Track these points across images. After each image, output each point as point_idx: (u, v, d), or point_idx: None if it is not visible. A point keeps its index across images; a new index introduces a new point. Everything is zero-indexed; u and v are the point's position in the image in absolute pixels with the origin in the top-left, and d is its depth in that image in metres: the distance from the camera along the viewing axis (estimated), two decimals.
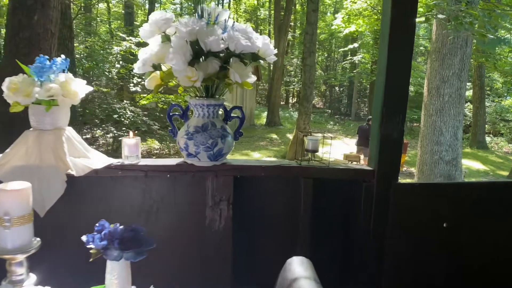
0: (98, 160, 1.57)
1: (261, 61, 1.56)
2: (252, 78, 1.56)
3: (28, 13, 3.25)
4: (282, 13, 18.90)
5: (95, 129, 11.64)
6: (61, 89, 1.43)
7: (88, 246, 1.14)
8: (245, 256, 1.69)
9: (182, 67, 1.36)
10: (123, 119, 10.67)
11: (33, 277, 1.20)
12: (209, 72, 1.42)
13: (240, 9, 27.60)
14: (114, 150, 10.93)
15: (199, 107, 1.53)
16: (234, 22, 1.47)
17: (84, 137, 11.67)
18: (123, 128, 10.38)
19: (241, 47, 1.41)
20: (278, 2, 19.49)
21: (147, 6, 21.06)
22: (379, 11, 12.63)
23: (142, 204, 1.65)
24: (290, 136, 14.06)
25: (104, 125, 10.98)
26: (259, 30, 28.71)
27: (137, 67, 1.46)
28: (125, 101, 11.58)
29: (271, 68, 19.78)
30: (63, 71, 1.50)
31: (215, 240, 1.61)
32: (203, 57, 1.43)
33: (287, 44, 23.39)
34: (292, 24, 25.01)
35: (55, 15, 3.35)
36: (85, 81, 1.54)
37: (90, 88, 1.55)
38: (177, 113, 1.60)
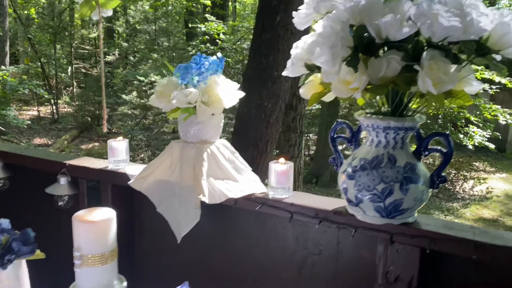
0: (244, 185, 1.23)
1: (497, 57, 0.86)
2: (474, 87, 0.89)
3: (272, 15, 3.25)
4: None
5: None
6: (201, 95, 1.16)
7: None
8: None
9: (331, 67, 0.85)
10: None
11: None
12: (384, 75, 0.86)
13: None
14: None
15: (371, 129, 0.98)
16: None
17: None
18: None
19: (441, 31, 0.77)
20: None
21: None
22: None
23: (294, 252, 1.22)
24: None
25: None
26: None
27: (286, 68, 1.04)
28: None
29: None
30: (216, 72, 1.23)
31: None
32: (383, 50, 0.88)
33: None
34: None
35: None
36: (237, 85, 1.23)
37: (241, 94, 1.23)
38: (344, 135, 1.09)
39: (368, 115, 0.97)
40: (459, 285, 1.00)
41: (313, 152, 9.83)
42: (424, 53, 0.82)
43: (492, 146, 8.38)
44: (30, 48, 12.15)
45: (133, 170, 1.36)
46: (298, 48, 0.99)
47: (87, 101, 11.98)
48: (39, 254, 1.07)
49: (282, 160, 1.16)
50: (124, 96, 10.85)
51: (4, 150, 1.59)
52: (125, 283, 0.97)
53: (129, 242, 1.46)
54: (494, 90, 8.49)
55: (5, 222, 1.08)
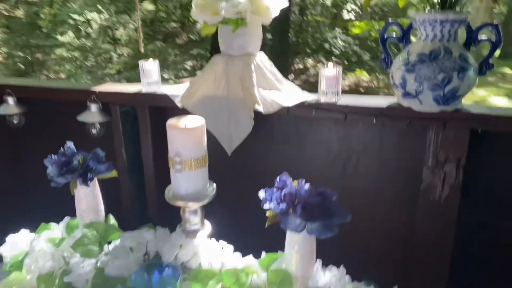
0: (290, 94, 1.29)
1: None
2: None
3: None
4: None
5: (306, 59, 11.76)
6: (250, 4, 1.17)
7: (264, 207, 0.89)
8: (475, 246, 1.22)
9: None
10: (334, 49, 10.44)
11: (208, 227, 1.06)
12: None
13: None
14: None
15: (428, 24, 1.05)
16: None
17: (296, 66, 12.00)
18: (333, 58, 10.17)
19: None
20: None
21: None
22: None
23: (339, 153, 1.33)
24: None
25: (315, 55, 10.97)
26: None
27: None
28: (337, 29, 11.23)
29: None
30: None
31: (431, 215, 1.18)
32: None
33: None
34: None
35: None
36: None
37: (285, 4, 1.24)
38: (394, 35, 1.16)
39: (427, 11, 1.04)
40: (507, 164, 1.15)
41: None
42: None
43: None
44: None
45: (171, 90, 1.36)
46: None
47: (16, 47, 10.96)
48: (114, 172, 1.09)
49: (330, 65, 1.22)
50: (59, 37, 10.04)
51: (17, 84, 1.50)
52: (214, 185, 1.03)
53: None
54: None
55: (71, 144, 1.07)
